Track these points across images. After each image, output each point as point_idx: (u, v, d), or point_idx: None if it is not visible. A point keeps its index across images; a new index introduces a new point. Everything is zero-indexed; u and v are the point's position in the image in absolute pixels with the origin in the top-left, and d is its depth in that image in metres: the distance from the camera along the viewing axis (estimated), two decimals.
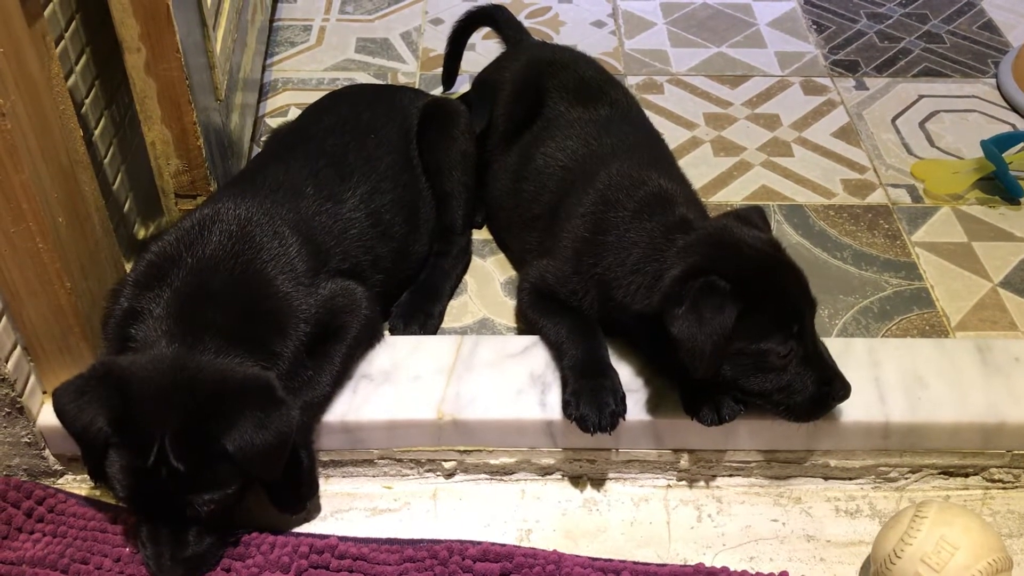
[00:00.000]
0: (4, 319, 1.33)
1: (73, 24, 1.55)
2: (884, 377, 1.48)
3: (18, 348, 1.37)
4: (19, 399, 1.38)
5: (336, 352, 1.43)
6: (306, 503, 1.43)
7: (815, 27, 2.54)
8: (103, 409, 1.20)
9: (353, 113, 1.70)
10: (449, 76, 2.24)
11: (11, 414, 1.39)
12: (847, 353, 1.49)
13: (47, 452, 1.46)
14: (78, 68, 1.56)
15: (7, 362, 1.34)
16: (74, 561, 1.35)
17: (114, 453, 1.21)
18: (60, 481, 1.50)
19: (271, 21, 2.47)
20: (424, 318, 1.67)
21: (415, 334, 1.64)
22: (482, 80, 1.94)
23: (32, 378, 1.41)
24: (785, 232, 1.90)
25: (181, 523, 1.27)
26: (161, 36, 1.41)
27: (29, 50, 1.20)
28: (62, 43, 1.50)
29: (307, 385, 1.40)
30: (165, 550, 1.27)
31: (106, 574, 1.34)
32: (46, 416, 1.43)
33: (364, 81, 2.29)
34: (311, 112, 1.78)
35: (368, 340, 1.51)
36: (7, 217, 1.22)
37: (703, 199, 1.65)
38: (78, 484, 1.50)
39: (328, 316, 1.43)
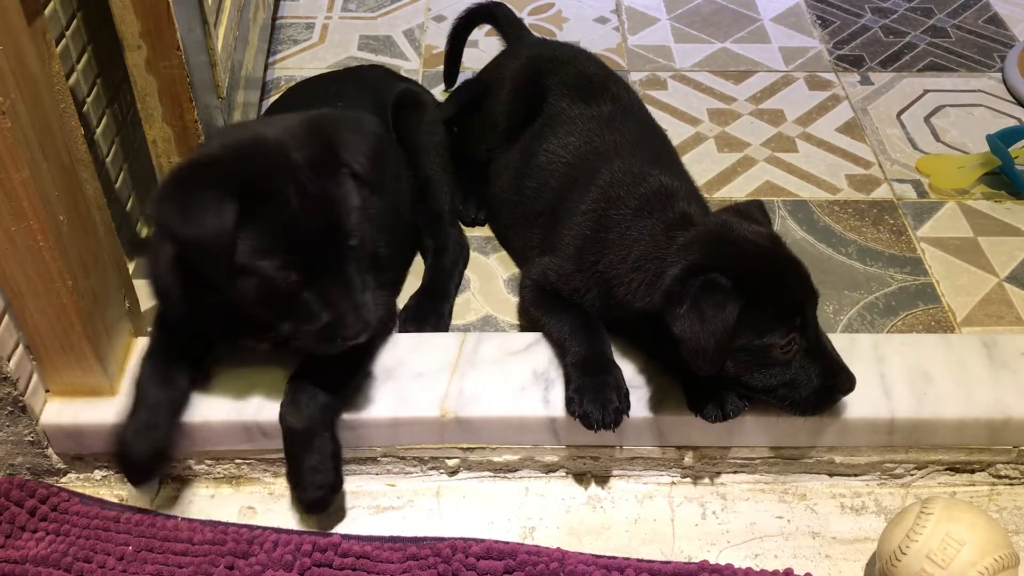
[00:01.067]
0: (6, 318, 1.33)
1: (74, 22, 1.54)
2: (889, 373, 1.47)
3: (20, 347, 1.37)
4: (21, 398, 1.38)
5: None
6: (332, 497, 1.39)
7: (819, 22, 2.53)
8: (218, 186, 1.16)
9: (321, 86, 1.76)
10: (451, 73, 2.23)
11: (14, 413, 1.39)
12: (852, 349, 1.48)
13: (50, 451, 1.46)
14: (79, 66, 1.56)
15: (9, 361, 1.34)
16: (77, 560, 1.34)
17: (247, 236, 1.17)
18: (63, 480, 1.50)
19: (273, 19, 2.46)
20: (436, 319, 1.67)
21: None
22: (477, 79, 1.94)
23: (34, 377, 1.41)
24: (790, 228, 1.89)
25: (340, 273, 1.23)
26: (162, 33, 1.40)
27: (29, 48, 1.19)
28: (63, 41, 1.50)
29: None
30: (346, 305, 1.23)
31: (109, 572, 1.34)
32: (50, 414, 1.43)
33: None
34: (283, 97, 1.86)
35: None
36: (8, 216, 1.22)
37: (707, 195, 1.65)
38: (81, 483, 1.50)
39: None
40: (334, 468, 1.37)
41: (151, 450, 1.35)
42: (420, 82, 2.28)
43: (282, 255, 1.19)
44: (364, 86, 1.80)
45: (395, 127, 1.77)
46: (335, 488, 1.38)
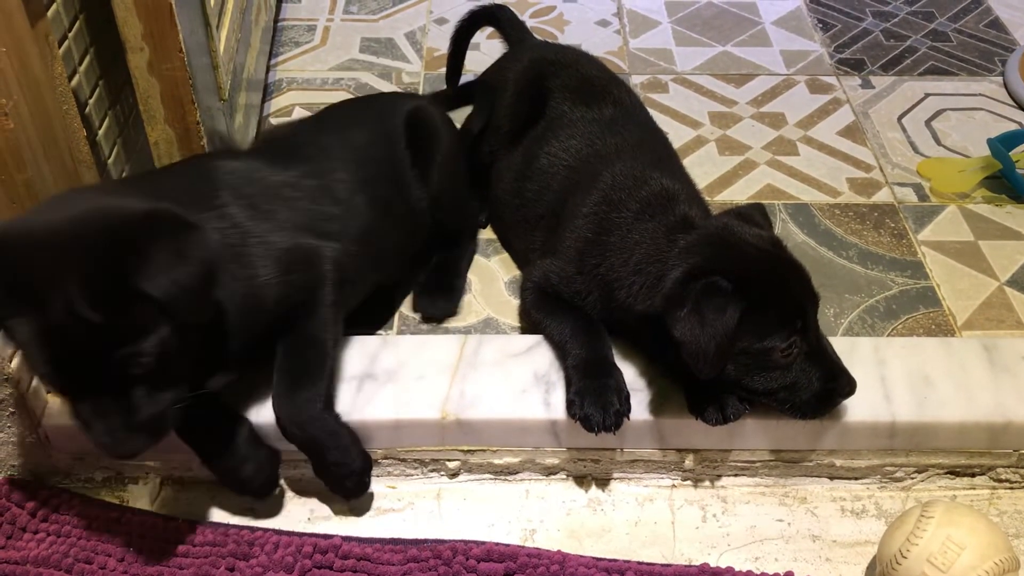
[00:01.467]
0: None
1: (77, 24, 1.54)
2: (890, 376, 1.48)
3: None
4: (23, 398, 1.38)
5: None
6: (365, 482, 1.41)
7: (821, 25, 2.53)
8: None
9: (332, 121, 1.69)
10: (453, 76, 2.22)
11: (15, 414, 1.39)
12: (853, 352, 1.48)
13: (51, 452, 1.46)
14: (82, 68, 1.56)
15: (11, 362, 1.34)
16: (78, 561, 1.35)
17: (19, 325, 1.08)
18: (65, 481, 1.50)
19: (275, 21, 2.47)
20: (449, 291, 1.69)
21: (442, 311, 1.69)
22: (483, 81, 1.94)
23: (36, 378, 1.41)
24: (790, 231, 1.89)
25: (124, 387, 1.12)
26: (164, 36, 1.41)
27: (32, 50, 1.20)
28: (66, 43, 1.50)
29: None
30: (115, 419, 1.12)
31: (110, 574, 1.34)
32: (51, 415, 1.43)
33: (369, 80, 2.29)
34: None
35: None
36: (10, 215, 1.22)
37: (707, 198, 1.65)
38: (82, 484, 1.50)
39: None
40: (358, 452, 1.39)
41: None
42: (421, 85, 2.29)
43: (43, 362, 1.10)
44: (370, 115, 1.73)
45: (409, 147, 1.71)
46: (366, 470, 1.41)
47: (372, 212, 1.55)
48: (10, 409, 1.39)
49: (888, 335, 1.69)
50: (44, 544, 1.37)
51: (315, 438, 1.36)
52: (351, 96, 2.25)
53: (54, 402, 1.44)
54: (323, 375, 1.37)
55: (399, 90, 2.26)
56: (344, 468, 1.38)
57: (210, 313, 1.18)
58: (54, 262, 1.07)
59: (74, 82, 1.52)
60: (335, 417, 1.39)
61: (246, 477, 1.38)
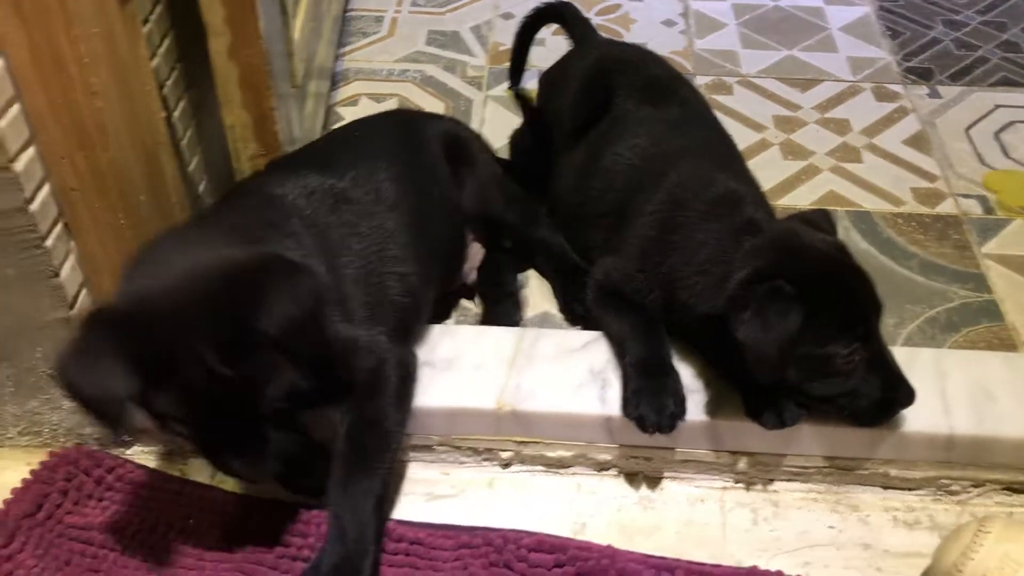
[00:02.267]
0: (84, 292, 1.37)
1: (159, 7, 1.58)
2: (950, 388, 1.46)
3: None
4: None
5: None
6: None
7: (889, 33, 2.50)
8: (120, 358, 1.08)
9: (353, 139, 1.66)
10: (516, 71, 2.25)
11: None
12: (913, 363, 1.46)
13: None
14: (161, 51, 1.60)
15: None
16: (141, 530, 1.39)
17: (156, 398, 1.12)
18: (129, 452, 1.54)
19: (344, 11, 2.50)
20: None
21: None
22: (546, 78, 1.95)
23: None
24: (852, 239, 1.88)
25: (254, 430, 1.18)
26: (245, 22, 1.44)
27: (120, 32, 1.24)
28: (148, 25, 1.54)
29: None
30: (254, 456, 1.19)
31: (171, 544, 1.38)
32: None
33: (434, 73, 2.32)
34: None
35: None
36: (93, 193, 1.27)
37: (770, 202, 1.64)
38: (146, 456, 1.54)
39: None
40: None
41: None
42: (485, 79, 2.30)
43: (192, 418, 1.14)
44: (404, 128, 1.70)
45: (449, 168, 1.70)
46: None
47: (417, 217, 1.54)
48: None
49: (948, 347, 1.67)
50: (108, 512, 1.42)
51: (347, 535, 1.28)
52: (416, 88, 2.27)
53: None
54: (383, 465, 1.33)
55: (461, 84, 2.29)
56: (341, 574, 1.27)
57: (324, 351, 1.22)
58: (181, 327, 1.10)
59: (154, 64, 1.56)
60: (379, 522, 1.32)
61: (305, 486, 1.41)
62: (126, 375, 1.08)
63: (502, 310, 1.67)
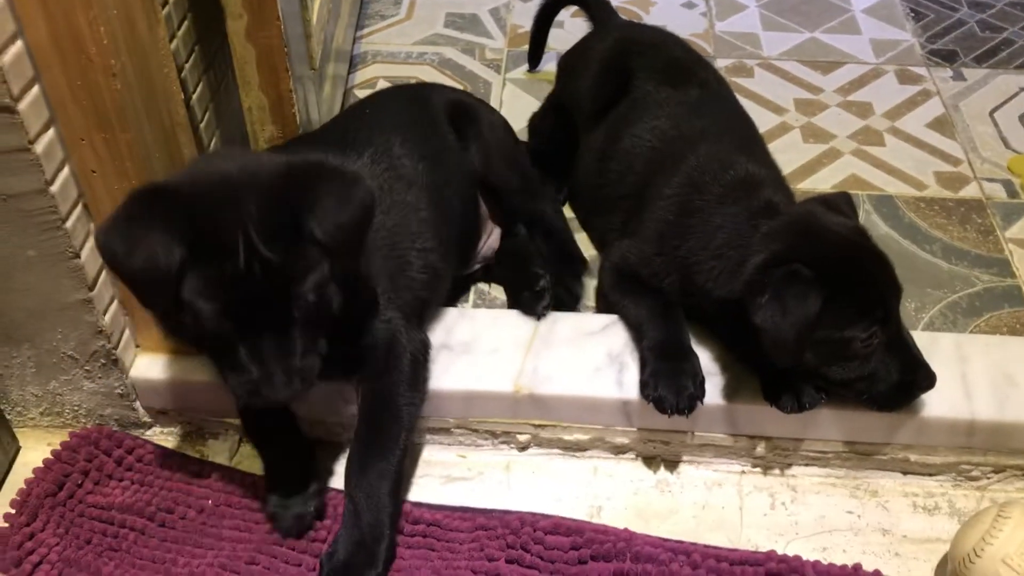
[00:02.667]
0: (103, 274, 1.38)
1: None
2: (971, 374, 1.45)
3: (115, 302, 1.42)
4: (114, 351, 1.43)
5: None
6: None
7: (913, 15, 2.47)
8: (168, 227, 1.07)
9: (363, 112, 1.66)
10: (535, 53, 2.24)
11: (106, 365, 1.44)
12: (934, 347, 1.45)
13: (137, 404, 1.52)
14: (180, 33, 1.60)
15: (105, 315, 1.39)
16: (160, 510, 1.40)
17: (193, 276, 1.10)
18: (148, 433, 1.55)
19: None
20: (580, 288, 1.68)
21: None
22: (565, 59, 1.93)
23: (127, 332, 1.47)
24: (874, 223, 1.86)
25: (282, 331, 1.15)
26: (263, 3, 1.43)
27: (139, 13, 1.23)
28: (166, 7, 1.54)
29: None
30: (275, 366, 1.15)
31: (190, 524, 1.39)
32: (139, 369, 1.49)
33: (452, 56, 2.31)
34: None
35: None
36: (112, 175, 1.27)
37: (790, 186, 1.63)
38: (165, 437, 1.55)
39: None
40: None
41: None
42: (503, 62, 2.29)
43: (220, 303, 1.11)
44: (414, 104, 1.68)
45: (457, 136, 1.68)
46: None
47: (435, 192, 1.54)
48: (101, 360, 1.44)
49: (970, 332, 1.65)
50: (128, 492, 1.43)
51: (362, 519, 1.29)
52: (434, 71, 2.27)
53: (142, 356, 1.50)
54: (397, 446, 1.33)
55: (480, 67, 2.28)
56: (356, 559, 1.28)
57: (359, 262, 1.22)
58: (231, 206, 1.10)
59: (172, 46, 1.56)
60: (395, 505, 1.32)
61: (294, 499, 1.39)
62: (174, 244, 1.07)
63: (524, 301, 1.63)
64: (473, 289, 1.74)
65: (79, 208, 1.31)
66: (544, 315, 1.57)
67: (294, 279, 1.13)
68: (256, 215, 1.10)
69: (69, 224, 1.29)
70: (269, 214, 1.11)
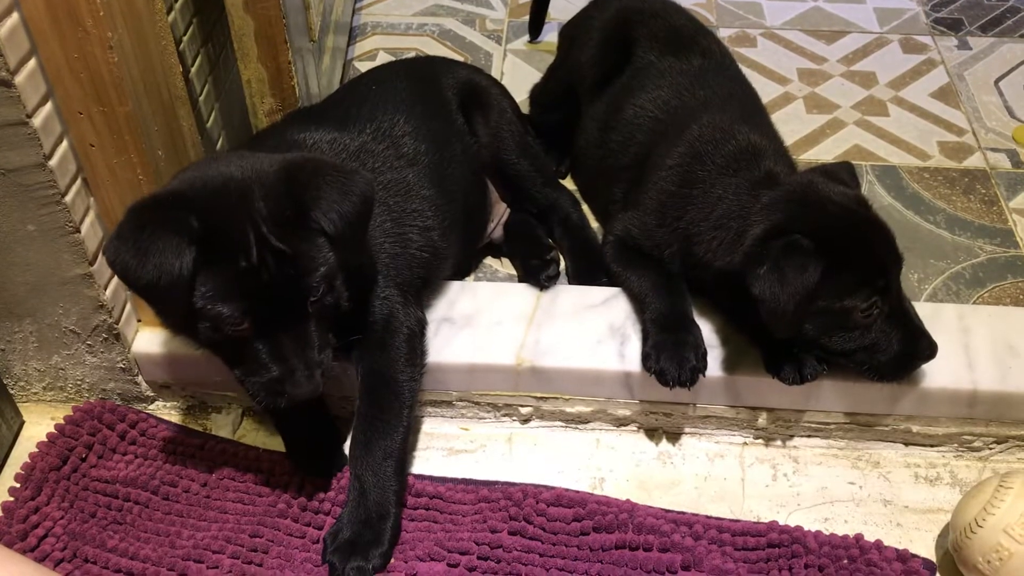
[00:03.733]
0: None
1: None
2: (974, 344, 1.45)
3: (116, 277, 1.42)
4: (116, 326, 1.43)
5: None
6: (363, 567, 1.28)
7: None
8: (176, 230, 1.08)
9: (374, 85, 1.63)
10: (536, 24, 2.22)
11: (108, 340, 1.45)
12: (936, 318, 1.45)
13: (140, 378, 1.52)
14: (178, 5, 1.59)
15: (106, 290, 1.39)
16: (163, 483, 1.40)
17: (205, 276, 1.10)
18: (151, 407, 1.56)
19: None
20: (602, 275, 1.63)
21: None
22: (568, 31, 1.92)
23: (128, 306, 1.47)
24: (877, 193, 1.85)
25: (298, 327, 1.17)
26: None
27: None
28: None
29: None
30: (296, 362, 1.17)
31: (193, 497, 1.40)
32: (141, 343, 1.49)
33: (453, 27, 2.29)
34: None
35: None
36: (111, 148, 1.26)
37: (793, 156, 1.62)
38: (168, 411, 1.56)
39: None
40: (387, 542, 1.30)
41: None
42: (504, 32, 2.27)
43: (236, 302, 1.12)
44: (421, 83, 1.66)
45: (465, 119, 1.67)
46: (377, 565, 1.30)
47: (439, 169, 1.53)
48: (103, 335, 1.44)
49: (973, 303, 1.65)
50: (132, 465, 1.43)
51: (368, 497, 1.30)
52: (435, 42, 2.25)
53: (144, 330, 1.50)
54: (400, 423, 1.33)
55: (480, 38, 2.26)
56: (361, 538, 1.28)
57: (364, 252, 1.24)
58: (239, 202, 1.12)
59: (170, 18, 1.55)
60: (400, 483, 1.33)
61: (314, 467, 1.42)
62: (184, 246, 1.08)
63: (533, 269, 1.61)
64: (480, 263, 1.74)
65: (78, 182, 1.31)
66: (551, 285, 1.57)
67: (306, 271, 1.15)
68: (264, 210, 1.12)
69: (68, 198, 1.28)
70: (276, 208, 1.13)
